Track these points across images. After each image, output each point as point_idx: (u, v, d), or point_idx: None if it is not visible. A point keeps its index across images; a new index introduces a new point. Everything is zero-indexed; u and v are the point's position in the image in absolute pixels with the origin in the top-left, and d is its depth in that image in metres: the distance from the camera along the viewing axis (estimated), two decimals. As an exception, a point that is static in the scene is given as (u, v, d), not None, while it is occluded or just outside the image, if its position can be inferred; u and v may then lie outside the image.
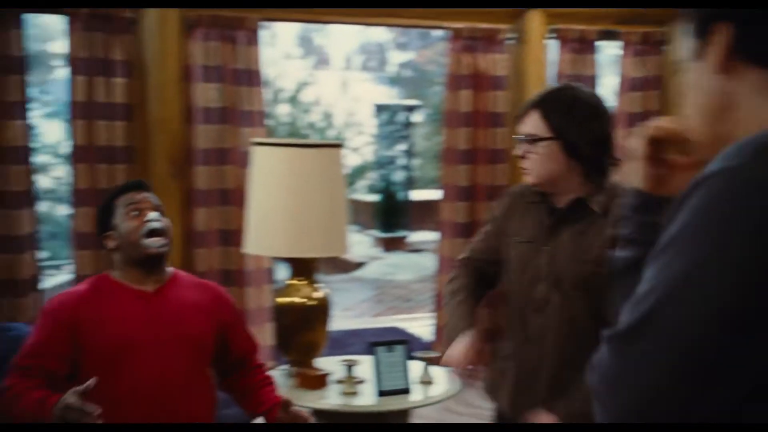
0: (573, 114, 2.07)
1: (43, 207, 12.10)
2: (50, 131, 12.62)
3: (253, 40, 4.44)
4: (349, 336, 6.16)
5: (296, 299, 3.20)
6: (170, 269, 2.55)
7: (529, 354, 2.18)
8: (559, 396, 2.11)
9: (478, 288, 2.39)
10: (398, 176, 14.58)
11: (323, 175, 3.18)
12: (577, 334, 2.09)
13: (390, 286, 10.28)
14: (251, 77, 4.47)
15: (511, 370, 2.26)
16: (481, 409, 4.52)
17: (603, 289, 1.94)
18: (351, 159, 19.25)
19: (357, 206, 15.21)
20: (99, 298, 2.40)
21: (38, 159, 13.42)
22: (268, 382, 2.66)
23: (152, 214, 2.44)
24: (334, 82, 20.28)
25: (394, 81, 22.33)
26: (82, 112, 4.13)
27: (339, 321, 7.98)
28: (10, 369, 2.30)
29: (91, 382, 2.06)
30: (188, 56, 4.31)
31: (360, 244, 13.05)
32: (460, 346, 2.25)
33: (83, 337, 2.32)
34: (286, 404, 2.45)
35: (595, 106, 2.11)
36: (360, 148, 18.88)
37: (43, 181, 14.12)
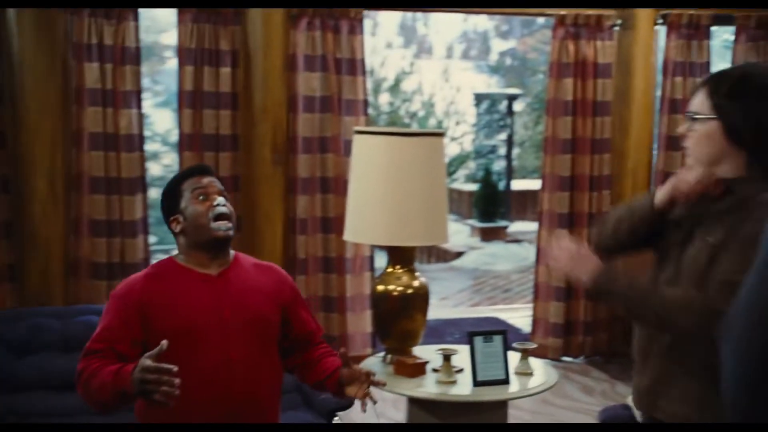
0: (738, 93, 1.87)
1: (153, 194, 12.61)
2: (161, 120, 13.09)
3: (356, 29, 4.48)
4: (446, 325, 6.16)
5: (395, 287, 3.21)
6: (232, 252, 2.58)
7: (644, 338, 2.06)
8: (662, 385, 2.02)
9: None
10: (498, 166, 14.43)
11: (424, 164, 3.18)
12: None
13: (488, 276, 10.20)
14: (354, 66, 4.51)
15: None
16: (579, 402, 4.46)
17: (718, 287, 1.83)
18: (451, 148, 19.22)
19: (456, 196, 15.16)
20: (165, 282, 2.42)
21: (150, 147, 13.98)
22: (330, 353, 2.61)
23: (219, 199, 2.44)
24: (435, 71, 20.22)
25: (496, 69, 22.10)
26: (189, 101, 4.26)
27: (436, 310, 8.00)
28: (82, 355, 2.30)
29: (163, 343, 2.09)
30: (292, 46, 4.39)
31: (459, 233, 13.00)
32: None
33: (152, 321, 2.34)
34: (345, 360, 2.42)
35: None
36: (460, 137, 18.80)
37: (153, 169, 14.66)
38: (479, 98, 15.68)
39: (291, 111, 4.45)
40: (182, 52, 4.24)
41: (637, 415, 3.28)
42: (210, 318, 2.36)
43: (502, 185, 13.92)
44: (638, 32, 4.84)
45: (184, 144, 4.31)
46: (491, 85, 20.55)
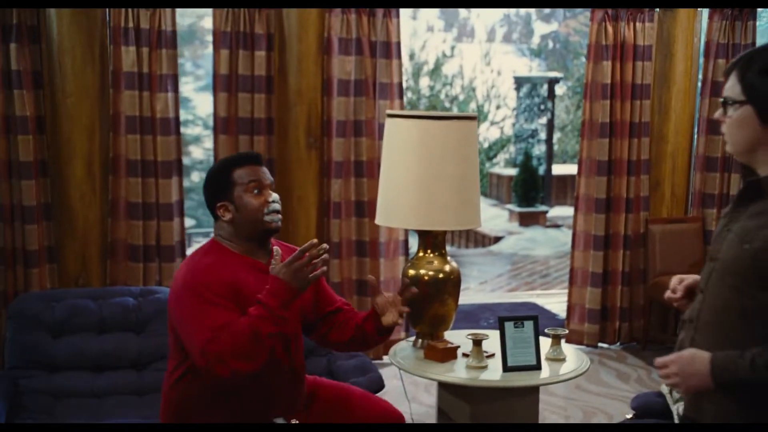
0: None
1: (195, 178, 12.67)
2: (203, 104, 13.17)
3: (391, 12, 4.45)
4: (482, 310, 6.14)
5: (426, 272, 3.20)
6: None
7: (686, 332, 1.99)
8: None
9: None
10: (538, 150, 14.31)
11: (456, 148, 3.15)
12: (724, 328, 1.85)
13: (527, 262, 10.14)
14: (389, 49, 4.49)
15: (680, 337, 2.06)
16: (614, 388, 4.41)
17: (756, 286, 1.77)
18: (491, 132, 19.07)
19: (496, 180, 15.06)
20: (234, 272, 2.45)
21: (192, 131, 14.10)
22: (355, 312, 2.78)
23: (274, 195, 2.50)
24: (476, 55, 20.06)
25: (537, 53, 21.84)
26: (224, 84, 4.28)
27: (473, 295, 7.99)
28: (200, 343, 2.27)
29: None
30: (327, 29, 4.38)
31: (497, 218, 12.93)
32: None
33: (242, 310, 2.38)
34: (374, 287, 2.65)
35: None
36: (501, 121, 18.64)
37: (195, 153, 14.78)
38: (519, 82, 15.53)
39: (325, 95, 4.44)
40: (217, 36, 4.26)
41: (671, 401, 3.23)
42: None
43: (542, 170, 13.80)
44: (679, 13, 4.74)
45: (219, 128, 4.33)
46: (533, 68, 20.33)
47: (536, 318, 3.05)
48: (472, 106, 18.66)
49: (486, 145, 18.34)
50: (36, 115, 4.02)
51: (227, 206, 2.48)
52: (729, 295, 1.82)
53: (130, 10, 4.06)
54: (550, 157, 14.14)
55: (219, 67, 4.27)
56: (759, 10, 4.81)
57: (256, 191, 2.47)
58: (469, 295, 7.91)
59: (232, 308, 2.35)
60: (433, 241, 3.27)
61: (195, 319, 2.32)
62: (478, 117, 18.58)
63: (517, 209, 12.40)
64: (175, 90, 4.24)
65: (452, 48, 20.39)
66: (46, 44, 4.02)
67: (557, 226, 12.22)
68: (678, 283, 2.13)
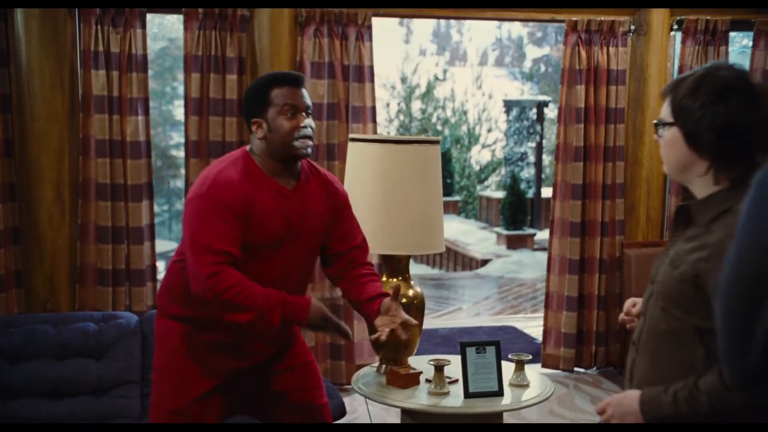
0: (696, 95, 1.77)
1: (179, 203, 12.60)
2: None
3: (364, 36, 4.45)
4: (462, 334, 6.11)
5: (389, 296, 3.17)
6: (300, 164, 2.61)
7: (630, 355, 1.96)
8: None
9: None
10: (528, 173, 14.33)
11: (419, 172, 3.15)
12: (658, 351, 1.84)
13: (513, 285, 10.11)
14: (362, 73, 4.48)
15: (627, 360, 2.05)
16: (588, 414, 4.37)
17: (683, 309, 1.77)
18: (483, 155, 19.10)
19: (486, 203, 15.07)
20: (256, 190, 2.45)
21: (180, 153, 14.05)
22: (374, 278, 2.70)
23: (307, 121, 2.48)
24: (468, 78, 20.14)
25: (529, 76, 21.95)
26: (196, 108, 4.27)
27: (455, 318, 7.94)
28: (205, 266, 2.31)
29: (347, 331, 2.45)
30: (299, 52, 4.38)
31: (485, 241, 12.91)
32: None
33: (246, 230, 2.42)
34: (396, 294, 2.53)
35: (728, 87, 1.75)
36: (492, 144, 18.67)
37: (178, 175, 14.74)
38: (509, 105, 15.61)
39: (298, 118, 4.43)
40: (188, 60, 4.25)
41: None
42: (282, 232, 2.49)
43: (531, 193, 13.81)
44: (652, 38, 4.76)
45: (190, 151, 4.32)
46: (525, 92, 20.42)
47: (498, 343, 3.03)
48: (464, 129, 18.70)
49: (477, 168, 18.38)
50: (4, 138, 4.00)
51: (261, 124, 2.49)
52: (661, 319, 1.83)
53: (100, 33, 4.05)
54: (539, 180, 14.16)
55: (190, 90, 4.26)
56: (731, 34, 4.83)
57: (290, 114, 2.46)
58: (450, 319, 7.87)
59: (239, 228, 2.39)
60: (396, 265, 3.25)
61: (201, 233, 2.37)
62: (470, 140, 18.64)
63: (505, 232, 12.38)
64: (146, 113, 4.22)
65: (444, 71, 20.48)
66: (15, 67, 4.02)
67: (545, 249, 12.20)
68: (631, 305, 2.16)
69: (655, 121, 1.90)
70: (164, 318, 2.61)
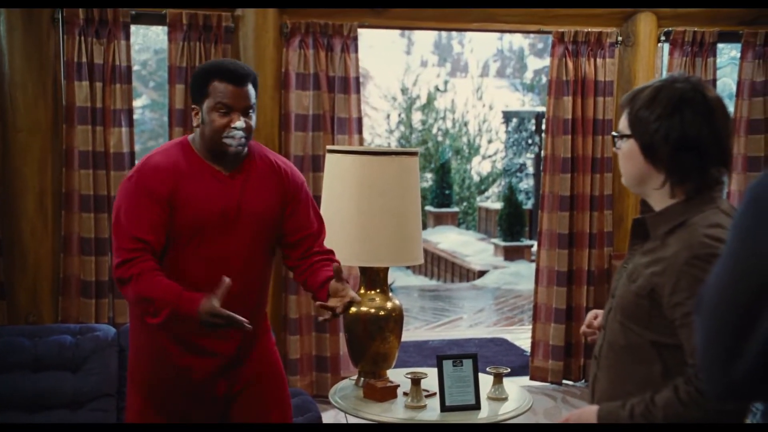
0: (652, 107, 1.76)
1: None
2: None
3: (349, 47, 4.45)
4: (451, 346, 6.08)
5: (367, 309, 3.16)
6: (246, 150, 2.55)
7: (592, 369, 1.95)
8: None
9: None
10: (527, 184, 14.31)
11: (397, 184, 3.13)
12: (617, 366, 1.83)
13: (510, 296, 10.07)
14: (347, 84, 4.47)
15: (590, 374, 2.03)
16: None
17: (639, 324, 1.76)
18: (483, 166, 19.08)
19: (484, 214, 15.04)
20: (186, 175, 2.44)
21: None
22: (325, 264, 2.61)
23: (239, 123, 2.44)
24: (468, 89, 20.15)
25: (531, 87, 21.98)
26: (180, 119, 4.26)
27: (449, 330, 7.91)
28: (119, 252, 2.33)
29: (228, 282, 2.29)
30: (284, 64, 4.37)
31: (484, 252, 12.88)
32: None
33: (174, 216, 2.41)
34: (338, 273, 2.48)
35: (683, 100, 1.74)
36: (492, 155, 18.66)
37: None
38: (508, 116, 15.62)
39: (283, 129, 4.43)
40: (173, 71, 4.25)
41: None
42: (217, 217, 2.45)
43: (530, 204, 13.79)
44: (640, 49, 4.74)
45: (174, 162, 4.30)
46: (526, 103, 20.44)
47: (475, 356, 3.01)
48: (464, 140, 18.69)
49: (477, 179, 18.36)
50: (-14, 150, 4.00)
51: (197, 111, 2.49)
52: (620, 333, 1.81)
53: (83, 44, 4.05)
54: (537, 191, 14.13)
55: (174, 101, 4.26)
56: (719, 46, 4.81)
57: (223, 111, 2.44)
58: (445, 330, 7.84)
59: (162, 215, 2.39)
60: (374, 277, 3.23)
61: (119, 218, 2.39)
62: (470, 151, 18.61)
63: (502, 243, 12.35)
64: (130, 125, 4.21)
65: (445, 83, 20.49)
66: (-3, 79, 4.02)
67: (543, 261, 12.16)
68: (593, 317, 2.14)
69: (613, 133, 1.89)
70: (132, 319, 2.64)
